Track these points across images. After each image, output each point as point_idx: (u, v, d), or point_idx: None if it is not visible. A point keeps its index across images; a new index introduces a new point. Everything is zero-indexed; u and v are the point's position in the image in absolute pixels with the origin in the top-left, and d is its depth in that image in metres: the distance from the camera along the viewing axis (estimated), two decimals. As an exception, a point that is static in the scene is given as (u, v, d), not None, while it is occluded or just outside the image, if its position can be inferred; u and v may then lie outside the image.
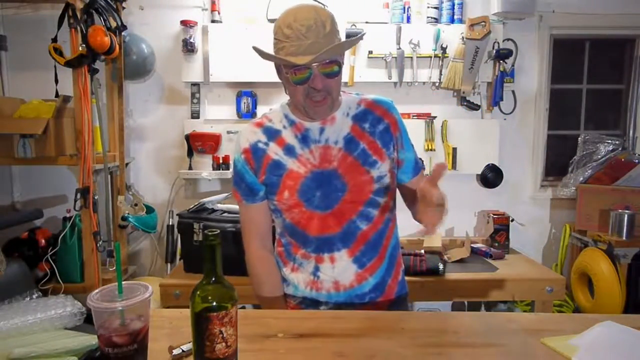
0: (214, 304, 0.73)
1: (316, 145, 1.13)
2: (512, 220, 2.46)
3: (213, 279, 0.74)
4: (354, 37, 1.13)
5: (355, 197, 1.12)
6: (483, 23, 2.43)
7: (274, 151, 1.14)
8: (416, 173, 1.22)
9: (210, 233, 0.73)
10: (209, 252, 0.74)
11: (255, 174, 1.16)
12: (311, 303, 1.19)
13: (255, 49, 1.10)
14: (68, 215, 2.18)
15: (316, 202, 1.12)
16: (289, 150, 1.14)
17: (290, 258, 1.20)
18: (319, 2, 2.42)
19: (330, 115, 1.14)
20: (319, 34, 1.01)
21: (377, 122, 1.16)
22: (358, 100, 1.19)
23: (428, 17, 2.49)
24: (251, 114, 2.54)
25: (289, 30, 1.02)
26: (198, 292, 0.74)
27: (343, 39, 1.09)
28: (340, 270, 1.14)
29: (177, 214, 2.15)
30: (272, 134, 1.16)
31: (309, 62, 1.00)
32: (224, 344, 0.73)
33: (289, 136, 1.15)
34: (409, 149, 1.21)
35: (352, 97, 1.20)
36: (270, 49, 1.11)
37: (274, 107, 1.24)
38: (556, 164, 2.76)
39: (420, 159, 1.30)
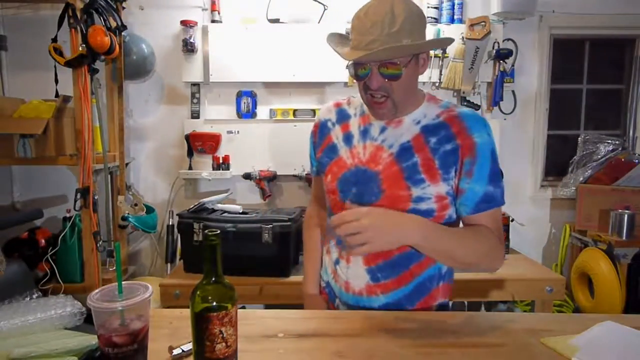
0: (214, 304, 0.73)
1: (371, 142, 1.09)
2: (512, 220, 2.46)
3: (213, 279, 0.74)
4: (423, 42, 1.01)
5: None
6: (483, 23, 2.43)
7: (336, 135, 1.17)
8: (479, 210, 1.03)
9: (210, 233, 0.73)
10: (209, 252, 0.74)
11: (315, 149, 1.23)
12: (331, 291, 1.21)
13: (330, 36, 1.09)
14: (68, 215, 2.17)
15: (350, 197, 1.10)
16: (348, 139, 1.14)
17: (328, 240, 1.23)
18: (318, 1, 2.42)
19: (397, 118, 1.08)
20: (383, 31, 0.94)
21: (447, 140, 1.03)
22: (440, 111, 1.07)
23: (428, 17, 2.49)
24: (251, 114, 2.54)
25: (358, 22, 0.99)
26: (198, 292, 0.74)
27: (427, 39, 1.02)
28: (352, 273, 1.12)
29: (177, 214, 2.15)
30: (343, 117, 1.18)
31: (358, 59, 0.97)
32: (224, 344, 0.73)
33: (354, 125, 1.15)
34: (480, 181, 1.02)
35: (437, 105, 1.09)
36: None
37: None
38: (556, 164, 2.76)
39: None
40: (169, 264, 2.48)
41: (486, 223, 1.04)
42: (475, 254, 1.01)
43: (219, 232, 0.74)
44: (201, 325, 0.72)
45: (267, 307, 2.29)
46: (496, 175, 1.03)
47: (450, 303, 1.19)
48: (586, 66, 2.75)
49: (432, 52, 2.46)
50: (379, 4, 0.97)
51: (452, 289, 1.18)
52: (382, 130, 1.09)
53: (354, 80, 1.06)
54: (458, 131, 1.03)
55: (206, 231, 0.74)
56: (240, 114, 2.54)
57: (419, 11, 1.00)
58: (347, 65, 1.05)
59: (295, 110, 2.53)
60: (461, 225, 1.11)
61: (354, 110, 1.17)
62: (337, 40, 1.09)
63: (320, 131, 1.21)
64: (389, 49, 0.94)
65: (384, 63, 0.98)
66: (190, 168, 2.52)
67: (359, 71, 1.01)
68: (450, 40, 1.08)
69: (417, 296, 1.10)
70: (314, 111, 2.53)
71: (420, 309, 1.11)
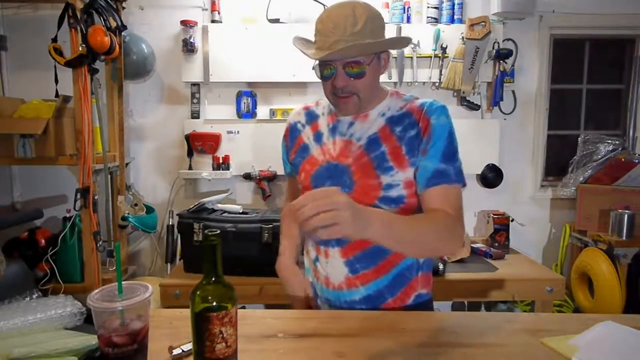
0: (214, 304, 0.73)
1: (340, 137, 1.14)
2: (512, 220, 2.46)
3: (213, 279, 0.74)
4: (384, 39, 1.04)
5: (359, 199, 1.04)
6: (483, 23, 2.43)
7: (307, 135, 1.21)
8: (429, 185, 1.04)
9: (210, 233, 0.73)
10: (209, 252, 0.74)
11: (288, 151, 1.26)
12: (314, 290, 1.22)
13: (295, 39, 1.13)
14: (68, 215, 2.17)
15: None
16: (318, 137, 1.18)
17: (307, 241, 1.25)
18: (318, 1, 2.42)
19: (362, 113, 1.13)
20: (345, 32, 0.99)
21: (411, 126, 1.08)
22: (404, 103, 1.12)
23: (428, 17, 2.49)
24: (251, 114, 2.54)
25: (321, 25, 1.03)
26: (198, 292, 0.74)
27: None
28: (331, 267, 1.14)
29: (177, 214, 2.15)
30: (312, 118, 1.22)
31: (322, 58, 1.01)
32: (224, 344, 0.73)
33: (322, 123, 1.19)
34: (433, 158, 1.05)
35: (400, 99, 1.14)
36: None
37: None
38: (556, 164, 2.76)
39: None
40: (169, 264, 2.48)
41: (439, 199, 1.03)
42: (434, 237, 0.98)
43: (218, 232, 0.74)
44: (201, 325, 0.72)
45: (267, 307, 2.29)
46: (451, 155, 1.06)
47: (432, 296, 1.20)
48: (586, 66, 2.75)
49: (432, 52, 2.47)
50: (340, 7, 1.02)
51: (433, 280, 1.20)
52: (350, 125, 1.14)
53: (321, 80, 1.09)
54: (419, 117, 1.08)
55: (206, 231, 0.74)
56: (240, 114, 2.54)
57: (378, 13, 1.05)
58: (313, 67, 1.09)
59: (295, 110, 2.53)
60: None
61: (322, 110, 1.21)
62: (303, 42, 1.13)
63: (291, 134, 1.25)
64: (352, 47, 0.98)
65: (348, 62, 1.03)
66: (190, 168, 2.52)
67: (325, 71, 1.06)
68: (408, 40, 1.10)
69: (397, 286, 1.12)
70: (314, 111, 2.53)
71: (400, 302, 1.12)
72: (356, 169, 1.10)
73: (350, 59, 1.02)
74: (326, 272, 1.15)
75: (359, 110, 1.11)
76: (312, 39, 1.10)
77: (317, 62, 1.06)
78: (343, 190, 1.06)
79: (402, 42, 1.08)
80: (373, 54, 1.04)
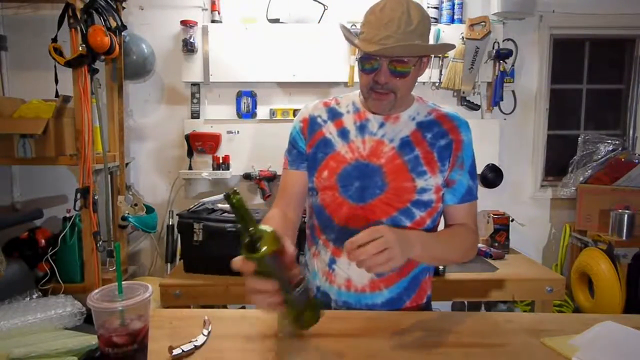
0: (269, 246, 0.75)
1: (371, 137, 1.11)
2: (512, 220, 2.46)
3: (251, 229, 0.75)
4: (435, 44, 1.07)
5: (392, 201, 1.08)
6: (483, 23, 2.43)
7: (329, 130, 1.15)
8: (463, 201, 1.14)
9: (230, 193, 0.74)
10: (237, 211, 0.74)
11: (305, 144, 1.18)
12: (323, 296, 1.17)
13: (342, 27, 1.14)
14: (68, 215, 2.18)
15: (351, 192, 1.10)
16: (343, 134, 1.14)
17: (314, 242, 1.19)
18: (318, 1, 2.42)
19: (394, 114, 1.12)
20: (399, 29, 0.97)
21: (441, 136, 1.11)
22: (430, 109, 1.15)
23: (428, 17, 2.49)
24: (251, 114, 2.54)
25: (373, 16, 1.01)
26: (252, 248, 0.75)
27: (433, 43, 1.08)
28: (355, 269, 1.08)
29: (177, 214, 2.15)
30: (334, 115, 1.17)
31: (373, 52, 0.99)
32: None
33: (348, 121, 1.15)
34: (466, 174, 1.13)
35: (426, 105, 1.17)
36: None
37: (350, 93, 1.21)
38: (556, 164, 2.76)
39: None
40: (169, 264, 2.48)
41: (466, 215, 1.15)
42: (459, 254, 1.13)
43: (235, 189, 0.75)
44: (274, 264, 0.75)
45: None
46: (474, 173, 1.16)
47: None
48: (586, 66, 2.75)
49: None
50: (395, 3, 1.00)
51: (433, 280, 1.27)
52: (381, 125, 1.12)
53: (361, 72, 1.07)
54: (449, 128, 1.13)
55: (225, 192, 0.74)
56: (240, 114, 2.54)
57: (428, 15, 1.05)
58: (356, 57, 1.07)
59: (295, 110, 2.53)
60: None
61: (345, 108, 1.17)
62: (346, 31, 1.12)
63: (310, 126, 1.17)
64: (405, 46, 0.98)
65: (394, 60, 1.01)
66: (190, 168, 2.52)
67: (367, 65, 1.04)
68: (453, 46, 1.13)
69: (412, 289, 1.15)
70: (314, 111, 2.54)
71: (415, 304, 1.15)
72: (389, 170, 1.09)
73: (397, 57, 1.01)
74: (348, 274, 1.12)
75: (392, 110, 1.10)
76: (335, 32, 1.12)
77: (360, 53, 1.04)
78: (374, 192, 1.09)
79: (448, 48, 1.10)
80: (418, 56, 1.04)
